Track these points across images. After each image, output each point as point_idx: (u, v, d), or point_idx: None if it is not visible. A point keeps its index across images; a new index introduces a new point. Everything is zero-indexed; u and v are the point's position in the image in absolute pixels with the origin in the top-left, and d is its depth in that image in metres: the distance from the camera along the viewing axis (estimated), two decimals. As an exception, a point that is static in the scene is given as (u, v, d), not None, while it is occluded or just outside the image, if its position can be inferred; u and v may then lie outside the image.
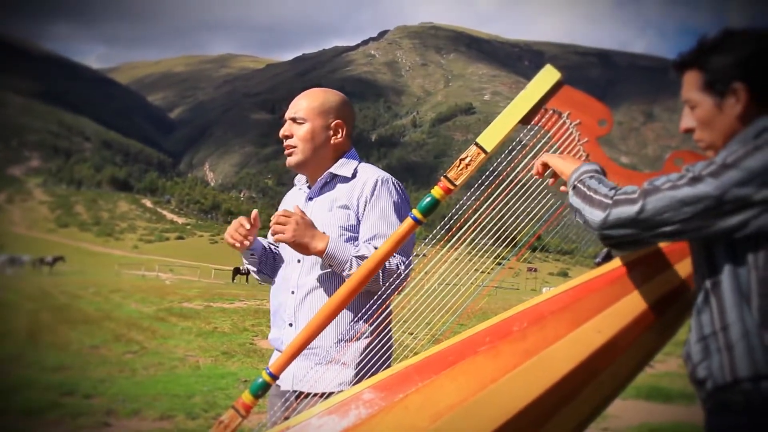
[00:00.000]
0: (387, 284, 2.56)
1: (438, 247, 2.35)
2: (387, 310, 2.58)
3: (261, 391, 2.34)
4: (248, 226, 2.85)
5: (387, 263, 2.55)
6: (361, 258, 2.63)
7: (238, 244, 2.85)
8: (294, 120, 2.87)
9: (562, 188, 2.13)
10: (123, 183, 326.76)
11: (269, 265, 3.04)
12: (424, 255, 2.43)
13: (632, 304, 2.10)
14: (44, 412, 6.71)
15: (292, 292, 2.82)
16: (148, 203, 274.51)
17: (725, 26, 1.93)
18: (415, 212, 2.24)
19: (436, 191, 2.22)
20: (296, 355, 2.34)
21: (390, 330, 2.65)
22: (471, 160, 2.19)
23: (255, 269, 3.03)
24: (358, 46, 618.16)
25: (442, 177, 2.21)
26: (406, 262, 2.65)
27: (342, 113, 2.91)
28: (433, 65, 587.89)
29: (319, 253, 2.65)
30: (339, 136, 2.88)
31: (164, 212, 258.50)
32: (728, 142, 1.86)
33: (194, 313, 18.49)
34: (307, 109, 2.85)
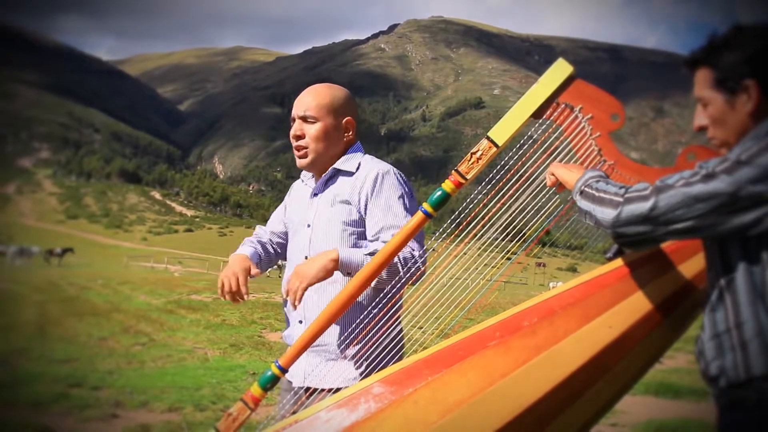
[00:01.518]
0: (407, 273, 2.53)
1: (447, 242, 2.34)
2: (398, 305, 2.57)
3: (270, 383, 2.34)
4: (244, 292, 2.72)
5: (402, 254, 2.52)
6: (373, 254, 2.58)
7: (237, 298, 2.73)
8: (305, 119, 2.79)
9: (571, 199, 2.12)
10: (132, 175, 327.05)
11: (269, 264, 3.04)
12: (434, 250, 2.43)
13: (643, 300, 2.09)
14: (52, 404, 6.72)
15: None
16: (157, 195, 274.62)
17: (735, 23, 1.92)
18: (426, 206, 2.23)
19: (447, 185, 2.21)
20: (305, 349, 2.34)
21: (400, 325, 2.61)
22: (482, 154, 2.18)
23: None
24: (368, 39, 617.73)
25: (453, 171, 2.21)
26: (422, 251, 2.59)
27: (351, 110, 2.86)
28: (443, 59, 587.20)
29: (335, 264, 2.58)
30: (350, 133, 2.84)
31: (173, 204, 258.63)
32: (741, 139, 1.85)
33: (203, 306, 18.48)
34: (317, 107, 2.78)
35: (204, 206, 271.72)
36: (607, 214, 1.86)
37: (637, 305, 2.08)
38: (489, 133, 2.19)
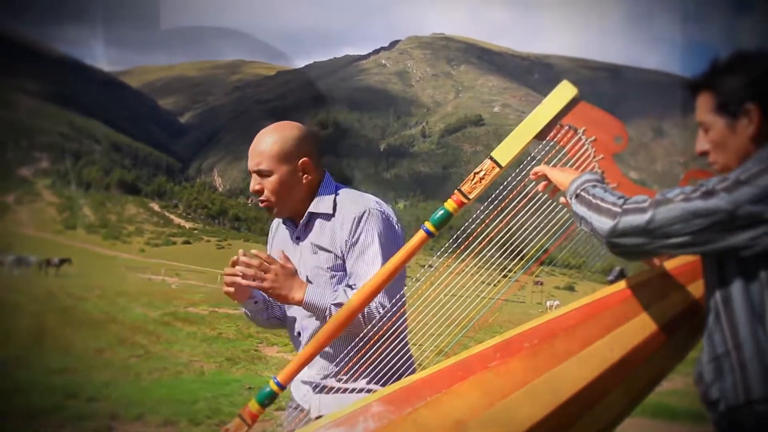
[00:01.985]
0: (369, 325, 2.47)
1: (449, 260, 2.33)
2: (403, 326, 2.51)
3: (268, 400, 2.33)
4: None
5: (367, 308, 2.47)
6: (339, 305, 2.50)
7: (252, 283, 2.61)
8: (260, 173, 2.69)
9: (562, 200, 2.12)
10: (131, 186, 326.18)
11: (276, 306, 2.92)
12: (434, 267, 2.41)
13: (644, 323, 2.09)
14: (48, 415, 6.71)
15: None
16: (155, 207, 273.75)
17: (737, 48, 1.93)
18: (428, 225, 2.22)
19: (449, 204, 2.20)
20: (303, 367, 2.32)
21: (408, 349, 2.52)
22: (485, 174, 2.18)
23: (264, 316, 2.91)
24: (369, 55, 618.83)
25: (455, 190, 2.20)
26: (387, 306, 2.52)
27: (305, 148, 2.70)
28: (444, 76, 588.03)
29: (298, 303, 2.55)
30: (309, 175, 2.70)
31: (172, 216, 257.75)
32: (743, 163, 1.85)
33: (199, 318, 18.49)
34: (268, 160, 2.65)
35: (202, 218, 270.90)
36: (603, 223, 1.87)
37: (638, 328, 2.08)
38: (492, 153, 2.19)
